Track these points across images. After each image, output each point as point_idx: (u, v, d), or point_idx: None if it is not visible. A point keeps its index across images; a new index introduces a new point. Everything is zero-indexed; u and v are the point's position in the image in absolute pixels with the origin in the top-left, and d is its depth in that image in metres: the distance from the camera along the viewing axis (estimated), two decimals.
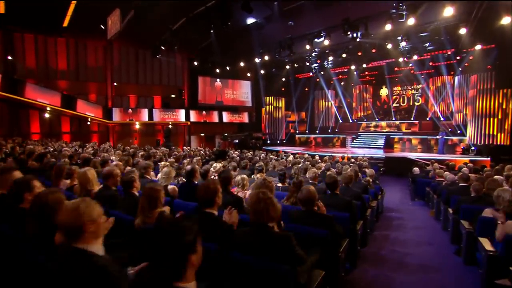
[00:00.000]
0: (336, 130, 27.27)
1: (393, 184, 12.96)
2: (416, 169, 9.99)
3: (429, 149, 20.25)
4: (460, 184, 5.93)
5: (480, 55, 18.26)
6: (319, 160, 12.59)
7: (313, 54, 19.72)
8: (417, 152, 19.44)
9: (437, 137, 17.21)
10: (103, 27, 15.73)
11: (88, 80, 21.52)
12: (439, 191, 6.86)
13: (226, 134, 22.92)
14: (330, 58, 19.91)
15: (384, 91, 28.37)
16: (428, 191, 8.65)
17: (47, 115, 19.45)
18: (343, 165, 9.84)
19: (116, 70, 22.52)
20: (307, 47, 17.11)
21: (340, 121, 28.40)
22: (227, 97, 25.03)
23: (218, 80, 24.40)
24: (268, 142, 25.14)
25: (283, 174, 5.58)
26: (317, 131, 27.53)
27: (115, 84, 22.32)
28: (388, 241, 5.68)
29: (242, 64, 21.35)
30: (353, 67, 22.07)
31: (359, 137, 24.09)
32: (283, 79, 25.90)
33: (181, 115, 23.04)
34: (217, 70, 23.01)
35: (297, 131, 28.43)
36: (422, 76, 25.44)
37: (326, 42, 16.35)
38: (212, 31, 14.69)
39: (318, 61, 20.48)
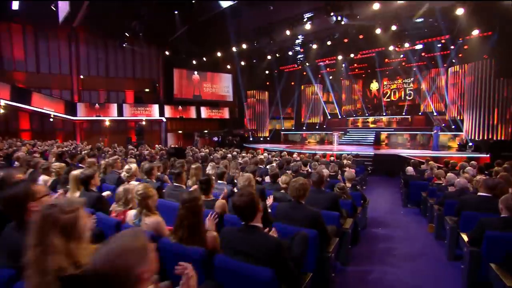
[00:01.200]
0: (324, 126, 25.28)
1: (383, 186, 11.01)
2: (409, 169, 8.02)
3: (422, 145, 18.36)
4: (480, 194, 3.91)
5: (477, 42, 16.39)
6: (298, 158, 10.67)
7: (296, 42, 17.63)
8: (409, 149, 17.49)
9: (432, 132, 15.26)
10: (53, 8, 13.49)
11: (50, 72, 19.24)
12: (442, 200, 4.86)
13: (206, 131, 20.80)
14: (315, 46, 17.83)
15: (374, 85, 26.60)
16: (425, 197, 6.67)
17: (1, 111, 17.16)
18: (323, 164, 7.93)
19: (83, 62, 20.28)
20: (288, 32, 15.01)
21: (329, 117, 26.37)
22: (206, 91, 22.92)
23: (195, 72, 22.29)
24: (251, 139, 23.04)
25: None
26: (304, 128, 25.46)
27: (82, 77, 20.07)
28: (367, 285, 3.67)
29: (219, 54, 19.23)
30: (340, 57, 20.06)
31: (347, 134, 22.05)
32: (267, 72, 23.75)
33: (154, 110, 20.88)
34: (194, 62, 20.87)
35: (283, 128, 26.30)
36: (414, 69, 23.65)
37: (308, 27, 14.28)
38: (177, 13, 12.54)
39: (302, 50, 18.40)
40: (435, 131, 15.12)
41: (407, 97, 25.06)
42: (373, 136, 20.39)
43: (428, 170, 8.62)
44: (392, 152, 15.04)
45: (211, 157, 9.29)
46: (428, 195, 6.75)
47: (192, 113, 22.22)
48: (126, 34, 16.06)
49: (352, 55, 19.82)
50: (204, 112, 22.67)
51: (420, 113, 22.58)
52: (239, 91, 23.80)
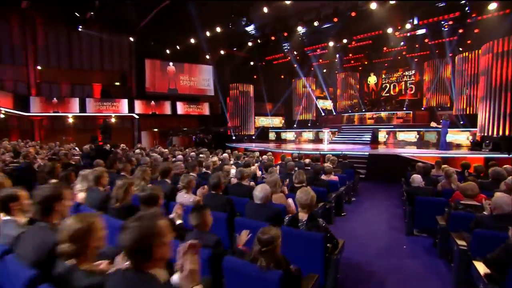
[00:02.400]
0: (317, 123, 22.69)
1: (378, 197, 8.19)
2: (415, 178, 5.18)
3: (426, 144, 15.47)
4: None
5: (493, 22, 13.55)
6: (265, 161, 7.90)
7: (278, 26, 14.78)
8: (410, 147, 14.63)
9: (438, 127, 12.36)
10: None
11: (0, 62, 16.52)
12: (496, 255, 2.02)
13: (182, 130, 18.04)
14: (300, 29, 14.95)
15: (372, 79, 24.18)
16: (443, 229, 3.85)
17: None
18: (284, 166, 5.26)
19: (41, 51, 17.53)
20: (265, 10, 12.17)
21: (322, 114, 23.86)
22: (183, 84, 20.16)
23: (170, 64, 19.54)
24: (234, 138, 20.23)
25: None
26: (295, 125, 22.64)
27: (40, 68, 17.32)
28: None
29: (192, 41, 16.40)
30: (331, 43, 17.16)
31: (342, 131, 19.28)
32: (251, 63, 20.91)
33: (123, 106, 18.14)
34: (167, 51, 18.09)
35: (272, 125, 23.51)
36: (416, 60, 20.94)
37: (289, 1, 11.41)
38: None
39: (286, 35, 15.54)
40: (443, 125, 12.19)
41: (408, 91, 22.34)
42: (370, 134, 17.47)
43: (443, 177, 5.76)
44: (391, 152, 12.16)
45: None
46: (448, 223, 3.91)
47: (167, 109, 19.46)
48: (84, 16, 13.30)
49: (345, 41, 16.89)
50: (181, 108, 19.90)
51: (422, 108, 19.79)
52: (222, 84, 20.94)
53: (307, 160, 8.18)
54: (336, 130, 19.86)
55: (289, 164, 6.21)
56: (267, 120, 24.17)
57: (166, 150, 11.21)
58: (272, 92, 23.45)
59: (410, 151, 12.60)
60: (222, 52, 18.99)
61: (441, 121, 12.37)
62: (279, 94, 23.76)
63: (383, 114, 20.07)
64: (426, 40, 18.17)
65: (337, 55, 21.91)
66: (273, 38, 16.26)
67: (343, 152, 9.61)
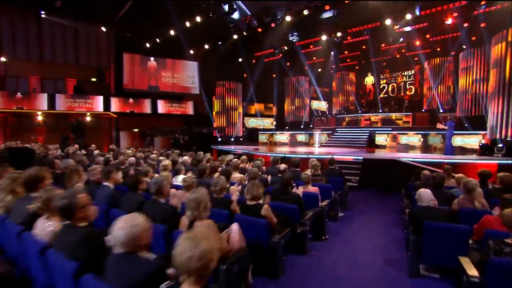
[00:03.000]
0: (311, 125, 21.06)
1: (372, 212, 6.58)
2: (424, 195, 3.48)
3: (428, 148, 13.89)
4: None
5: (505, 11, 11.98)
6: (231, 164, 6.25)
7: (264, 17, 13.22)
8: (412, 152, 13.00)
9: (445, 128, 10.73)
10: None
11: None
12: None
13: (163, 129, 16.41)
14: (288, 18, 13.38)
15: (369, 79, 22.75)
16: (475, 282, 2.14)
17: None
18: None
19: (6, 41, 15.91)
20: None
21: (316, 115, 22.35)
22: (165, 81, 18.55)
23: (151, 59, 17.94)
24: (219, 140, 18.59)
25: None
26: (286, 127, 21.00)
27: (4, 59, 15.69)
28: None
29: (172, 32, 14.82)
30: (324, 37, 15.58)
31: (336, 134, 17.75)
32: (240, 60, 19.29)
33: (98, 103, 16.51)
34: (147, 45, 16.50)
35: (262, 127, 21.87)
36: (415, 59, 19.49)
37: None
38: None
39: (273, 25, 13.95)
40: (449, 127, 10.57)
41: (407, 92, 20.87)
42: (366, 137, 15.88)
43: (457, 189, 4.15)
44: (388, 156, 10.54)
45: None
46: (484, 274, 2.25)
47: (147, 107, 17.83)
48: (52, 2, 11.67)
49: (339, 34, 15.31)
50: (162, 107, 18.28)
51: (423, 110, 18.22)
52: (207, 82, 19.37)
53: (283, 166, 6.52)
54: (330, 132, 18.22)
55: (251, 172, 4.57)
56: (257, 122, 22.46)
57: (130, 151, 9.57)
58: (263, 92, 21.87)
59: (410, 155, 10.99)
60: (206, 46, 17.36)
61: (445, 122, 10.73)
62: (270, 94, 22.18)
63: (381, 115, 18.43)
64: (428, 36, 16.61)
65: (332, 53, 20.41)
66: (259, 30, 14.65)
67: (332, 156, 7.94)
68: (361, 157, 10.31)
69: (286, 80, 22.01)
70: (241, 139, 19.82)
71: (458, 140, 12.42)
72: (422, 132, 14.55)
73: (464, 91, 14.54)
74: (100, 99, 16.68)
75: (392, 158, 9.74)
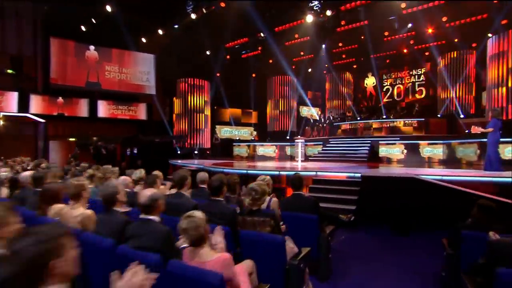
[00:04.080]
0: (299, 136, 17.67)
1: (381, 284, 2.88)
2: None
3: (452, 161, 10.45)
4: None
5: None
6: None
7: None
8: (430, 167, 9.59)
9: (483, 131, 7.17)
10: None
11: None
12: None
13: (93, 140, 12.89)
14: None
15: (370, 81, 20.26)
16: None
17: None
18: None
19: None
20: None
21: (306, 123, 19.39)
22: (110, 77, 15.22)
23: (91, 48, 14.57)
24: (179, 152, 15.05)
25: None
26: (268, 138, 17.98)
27: None
28: None
29: (109, 9, 11.50)
30: (310, 18, 12.34)
31: (329, 145, 14.81)
32: (208, 53, 16.12)
33: (11, 102, 12.88)
34: (83, 28, 13.17)
35: (238, 138, 18.52)
36: (426, 54, 16.79)
37: None
38: None
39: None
40: (493, 129, 7.00)
41: (416, 95, 17.97)
42: (367, 148, 12.86)
43: None
44: (403, 173, 7.01)
45: None
46: None
47: (82, 110, 14.30)
48: None
49: (329, 13, 12.08)
50: (104, 109, 14.85)
51: (439, 115, 15.56)
52: (167, 80, 16.13)
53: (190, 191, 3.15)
54: (321, 143, 15.17)
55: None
56: (232, 131, 19.26)
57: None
58: (239, 95, 18.99)
59: (436, 172, 7.46)
60: (160, 32, 14.07)
61: (489, 122, 7.23)
62: (249, 98, 19.05)
63: (386, 123, 15.31)
64: (444, 19, 13.44)
65: (323, 46, 17.24)
66: (222, 4, 11.35)
67: (296, 172, 4.25)
68: (358, 174, 6.77)
69: (268, 81, 19.15)
70: (208, 152, 16.31)
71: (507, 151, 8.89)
72: (445, 141, 11.14)
73: (495, 84, 11.21)
74: (13, 97, 13.12)
75: (410, 176, 6.18)
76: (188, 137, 15.84)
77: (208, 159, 15.00)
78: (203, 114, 16.18)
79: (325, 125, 17.59)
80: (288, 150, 16.06)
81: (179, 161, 12.74)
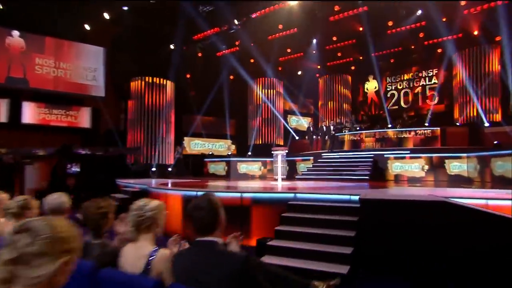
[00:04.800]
0: (287, 151, 16.04)
1: None
2: None
3: (489, 179, 8.65)
4: None
5: None
6: None
7: None
8: (462, 187, 7.76)
9: None
10: None
11: None
12: None
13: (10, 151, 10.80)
14: None
15: (371, 85, 19.25)
16: None
17: None
18: None
19: None
20: None
21: (294, 136, 18.39)
22: (42, 72, 13.29)
23: (15, 33, 12.64)
24: (132, 169, 13.02)
25: None
26: (249, 153, 16.56)
27: None
28: None
29: None
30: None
31: (320, 160, 13.29)
32: (172, 47, 14.63)
33: None
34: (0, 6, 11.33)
35: (210, 153, 16.88)
36: (439, 51, 15.85)
37: None
38: None
39: None
40: None
41: (428, 101, 17.21)
42: (369, 164, 11.42)
43: None
44: (424, 194, 5.09)
45: None
46: None
47: (0, 113, 12.13)
48: None
49: None
50: (32, 114, 12.71)
51: (457, 124, 14.49)
52: (119, 79, 14.30)
53: None
54: (311, 158, 13.84)
55: None
56: (205, 144, 17.85)
57: None
58: (215, 101, 17.07)
59: (471, 192, 5.57)
60: (106, 15, 12.27)
61: None
62: (227, 104, 17.47)
63: (391, 133, 13.69)
64: (463, 3, 11.95)
65: (314, 41, 15.87)
66: None
67: (208, 193, 2.21)
68: (356, 197, 4.82)
69: (250, 85, 17.88)
70: (169, 169, 14.32)
71: None
72: (478, 153, 9.46)
73: None
74: None
75: (439, 200, 4.25)
76: (143, 149, 13.77)
77: (170, 178, 13.00)
78: (162, 120, 14.21)
79: (318, 137, 15.89)
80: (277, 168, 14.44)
81: (131, 182, 10.58)
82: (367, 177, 10.73)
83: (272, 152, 10.83)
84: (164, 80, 14.55)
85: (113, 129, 14.28)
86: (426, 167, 10.67)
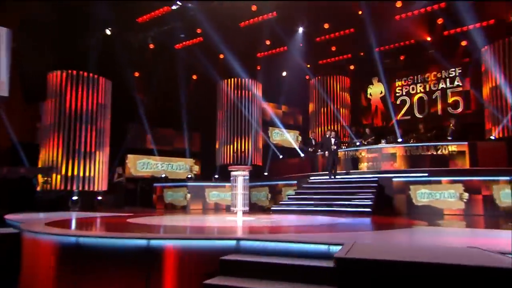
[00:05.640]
0: (265, 173, 16.26)
1: None
2: None
3: None
4: None
5: None
6: None
7: None
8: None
9: None
10: None
11: None
12: None
13: None
14: None
15: (376, 90, 18.46)
16: None
17: None
18: None
19: None
20: None
21: (277, 153, 17.22)
22: None
23: None
24: (39, 197, 11.02)
25: None
26: (215, 175, 15.34)
27: None
28: None
29: None
30: None
31: (306, 186, 12.35)
32: (108, 32, 13.59)
33: None
34: None
35: (163, 175, 15.56)
36: (463, 44, 14.91)
37: None
38: None
39: None
40: None
41: (450, 109, 15.95)
42: (373, 191, 10.35)
43: None
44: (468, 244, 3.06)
45: None
46: None
47: None
48: None
49: None
50: None
51: (492, 137, 13.30)
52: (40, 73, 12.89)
53: None
54: (294, 182, 12.90)
55: None
56: (158, 165, 16.20)
57: None
58: (173, 109, 16.06)
59: None
60: None
61: None
62: (188, 113, 16.44)
63: (402, 148, 12.49)
64: None
65: (300, 30, 15.19)
66: None
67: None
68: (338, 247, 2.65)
69: (218, 88, 16.64)
70: (99, 198, 12.54)
71: None
72: None
73: None
74: None
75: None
76: (60, 169, 11.70)
77: (98, 210, 11.12)
78: (93, 126, 12.40)
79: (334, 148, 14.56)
80: (259, 194, 13.77)
81: (14, 217, 8.21)
82: (369, 209, 9.31)
83: (231, 174, 8.80)
84: (96, 76, 12.76)
85: (18, 142, 12.17)
86: (466, 195, 9.27)
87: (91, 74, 12.95)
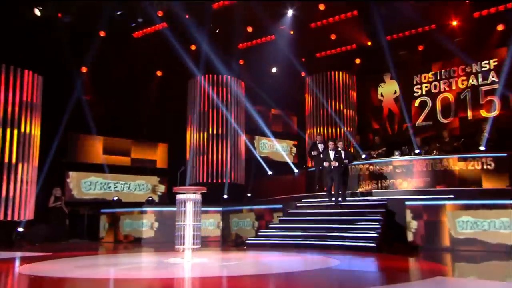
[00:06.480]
0: (248, 194, 16.39)
1: None
2: None
3: None
4: None
5: None
6: None
7: None
8: None
9: None
10: None
11: None
12: None
13: None
14: None
15: (388, 89, 17.70)
16: None
17: None
18: None
19: None
20: None
21: (266, 169, 17.15)
22: None
23: None
24: None
25: None
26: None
27: None
28: None
29: None
30: None
31: (295, 212, 12.05)
32: (38, 13, 12.80)
33: None
34: None
35: (116, 198, 14.84)
36: (500, 29, 14.74)
37: None
38: None
39: None
40: None
41: (483, 111, 15.26)
42: (379, 218, 9.69)
43: None
44: None
45: None
46: None
47: None
48: None
49: None
50: None
51: None
52: None
53: None
54: (280, 206, 12.26)
55: None
56: (111, 184, 15.46)
57: None
58: (132, 112, 15.86)
59: None
60: None
61: None
62: (150, 119, 16.47)
63: (419, 161, 12.16)
64: None
65: (289, 12, 14.75)
66: None
67: None
68: None
69: (190, 86, 15.91)
70: (19, 230, 11.52)
71: None
72: None
73: None
74: None
75: None
76: None
77: (25, 250, 9.95)
78: (15, 130, 11.41)
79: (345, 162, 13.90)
80: (243, 222, 13.04)
81: None
82: (372, 244, 8.26)
83: (176, 197, 7.52)
84: (19, 69, 11.68)
85: None
86: None
87: (10, 67, 11.76)
